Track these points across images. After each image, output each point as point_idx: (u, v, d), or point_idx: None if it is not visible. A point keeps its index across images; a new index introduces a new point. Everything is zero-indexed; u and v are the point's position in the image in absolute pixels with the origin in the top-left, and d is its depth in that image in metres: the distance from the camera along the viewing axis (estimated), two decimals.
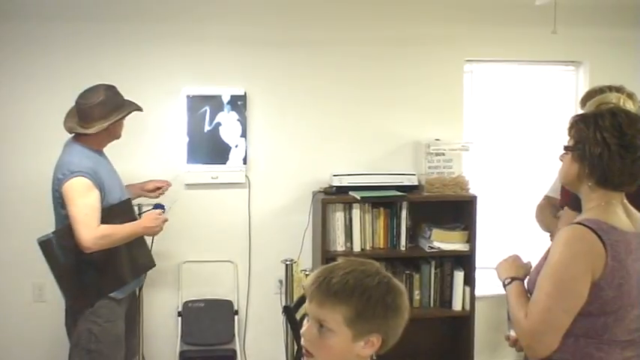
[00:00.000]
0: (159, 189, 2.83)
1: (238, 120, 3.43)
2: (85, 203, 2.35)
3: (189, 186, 3.38)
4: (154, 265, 2.71)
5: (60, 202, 2.41)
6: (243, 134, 3.44)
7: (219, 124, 3.41)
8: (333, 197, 3.33)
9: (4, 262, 3.37)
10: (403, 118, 3.59)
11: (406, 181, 3.41)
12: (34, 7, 3.30)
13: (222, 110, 3.40)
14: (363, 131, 3.57)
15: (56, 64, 3.32)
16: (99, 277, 2.48)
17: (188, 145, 3.38)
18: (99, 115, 2.45)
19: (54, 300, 3.17)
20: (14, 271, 3.36)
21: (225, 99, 3.41)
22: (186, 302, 3.43)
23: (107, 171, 2.54)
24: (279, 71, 3.49)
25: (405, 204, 3.38)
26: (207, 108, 3.38)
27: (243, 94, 3.41)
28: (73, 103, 2.57)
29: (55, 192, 2.42)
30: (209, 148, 3.40)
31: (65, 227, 2.36)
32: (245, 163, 3.45)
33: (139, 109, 2.60)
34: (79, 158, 2.41)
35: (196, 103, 3.37)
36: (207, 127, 3.38)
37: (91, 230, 2.33)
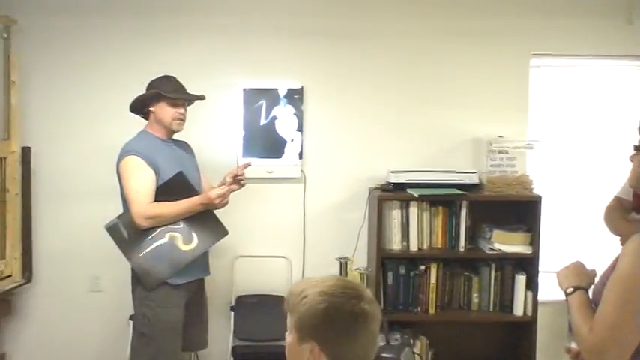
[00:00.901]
0: (237, 177, 2.87)
1: (294, 114, 3.57)
2: (135, 181, 2.54)
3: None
4: (227, 233, 2.80)
5: (120, 182, 2.65)
6: (299, 128, 3.57)
7: (275, 117, 3.55)
8: (390, 194, 3.39)
9: (62, 254, 3.62)
10: (464, 114, 3.63)
11: (466, 180, 3.44)
12: (95, 3, 3.57)
13: (279, 104, 3.54)
14: (422, 127, 3.63)
15: (116, 57, 3.55)
16: (168, 254, 2.63)
17: (244, 139, 3.54)
18: (142, 98, 2.72)
19: (109, 289, 3.54)
20: (73, 262, 3.61)
21: (282, 92, 3.55)
22: (239, 297, 3.59)
23: (167, 156, 2.68)
24: (336, 64, 3.58)
25: (464, 203, 3.43)
26: (263, 101, 3.53)
27: (299, 87, 3.55)
28: (131, 96, 2.84)
29: (117, 172, 2.66)
30: (265, 142, 3.54)
31: (125, 213, 2.59)
32: (301, 157, 3.59)
33: (176, 97, 2.68)
34: (137, 141, 2.66)
35: (252, 96, 3.52)
36: (262, 121, 3.54)
37: (142, 207, 2.52)
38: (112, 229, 2.67)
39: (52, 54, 3.56)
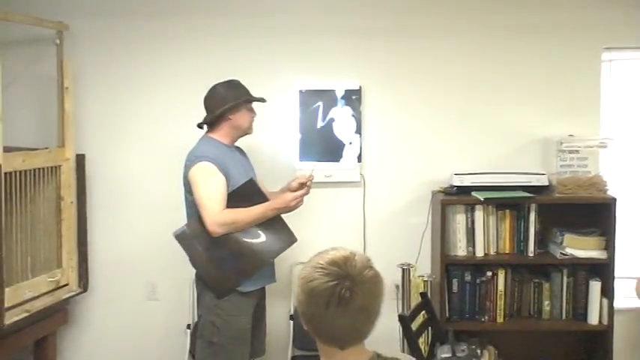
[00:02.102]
0: (303, 185, 3.02)
1: (353, 115, 3.71)
2: (208, 187, 2.63)
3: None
4: (296, 240, 2.89)
5: (188, 189, 2.74)
6: (358, 130, 3.70)
7: (332, 119, 3.69)
8: (454, 198, 3.47)
9: (119, 262, 3.78)
10: (532, 112, 3.67)
11: (535, 181, 3.50)
12: (147, 6, 3.76)
13: (336, 105, 3.68)
14: (487, 127, 3.68)
15: (170, 60, 3.70)
16: (237, 261, 2.71)
17: (300, 142, 3.69)
18: (215, 104, 2.80)
19: (166, 298, 3.75)
20: (129, 271, 3.78)
21: (339, 94, 3.69)
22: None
23: (235, 162, 2.80)
24: (396, 64, 3.68)
25: (533, 206, 3.49)
26: (320, 103, 3.68)
27: (357, 88, 3.69)
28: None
29: (184, 179, 2.75)
30: (322, 145, 3.68)
31: (197, 217, 2.67)
32: (360, 160, 3.71)
33: (259, 99, 2.87)
34: (206, 146, 2.76)
35: (309, 98, 3.67)
36: (320, 123, 3.68)
37: (215, 215, 2.60)
38: (180, 237, 2.76)
39: (105, 58, 3.73)
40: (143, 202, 3.74)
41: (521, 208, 3.50)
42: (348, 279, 1.43)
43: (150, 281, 3.79)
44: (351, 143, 3.72)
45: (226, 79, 2.94)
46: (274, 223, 2.82)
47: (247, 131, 2.91)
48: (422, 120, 3.74)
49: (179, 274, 3.53)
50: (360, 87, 3.69)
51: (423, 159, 3.74)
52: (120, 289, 3.81)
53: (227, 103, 2.81)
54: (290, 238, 2.89)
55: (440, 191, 3.60)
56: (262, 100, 2.89)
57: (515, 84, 3.68)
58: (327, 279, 1.42)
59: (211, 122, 2.89)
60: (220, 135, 2.89)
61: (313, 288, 1.42)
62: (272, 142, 3.71)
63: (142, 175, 3.72)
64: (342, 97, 3.68)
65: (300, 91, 3.67)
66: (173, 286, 3.65)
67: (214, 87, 2.90)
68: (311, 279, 1.43)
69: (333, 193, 3.73)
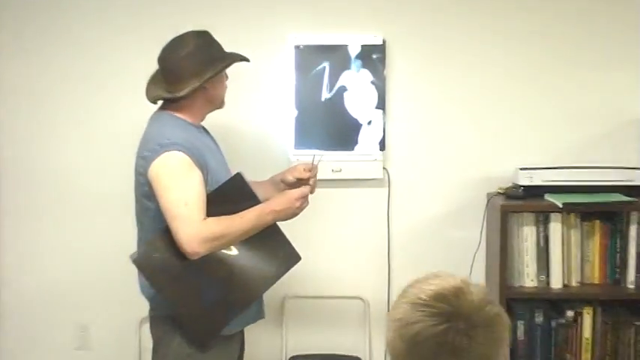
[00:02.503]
0: (303, 181, 2.63)
1: (373, 83, 3.08)
2: (182, 188, 2.27)
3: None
4: (299, 259, 2.56)
5: (146, 192, 2.34)
6: (380, 105, 3.09)
7: (343, 89, 3.08)
8: (520, 203, 3.00)
9: (38, 294, 3.32)
10: (625, 83, 3.16)
11: (637, 179, 2.98)
12: None
13: (349, 68, 3.08)
14: (563, 105, 3.18)
15: (121, 6, 3.16)
16: (224, 291, 2.43)
17: (297, 122, 3.08)
18: (189, 70, 2.38)
19: (102, 347, 3.26)
20: (52, 307, 3.30)
21: (354, 51, 3.07)
22: (293, 358, 3.17)
23: (211, 149, 2.47)
24: (436, 9, 3.16)
25: (635, 215, 2.96)
26: (326, 65, 3.07)
27: (380, 42, 3.06)
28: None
29: (140, 177, 2.35)
30: (328, 126, 3.10)
31: (163, 232, 2.32)
32: (383, 148, 3.11)
33: (244, 59, 2.48)
34: (172, 129, 2.36)
35: (309, 57, 3.07)
36: (325, 94, 3.07)
37: (195, 227, 2.25)
38: (143, 263, 2.36)
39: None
40: (77, 209, 3.22)
41: (617, 218, 3.00)
42: (461, 319, 1.22)
43: (80, 322, 3.27)
44: (370, 123, 3.08)
45: (194, 31, 2.44)
46: (270, 235, 2.47)
47: (221, 105, 2.53)
48: (472, 91, 3.17)
49: (122, 313, 3.17)
50: (384, 41, 3.06)
51: (473, 147, 3.18)
52: (38, 332, 3.30)
53: (207, 68, 2.41)
54: (291, 257, 2.56)
55: (499, 193, 3.05)
56: (246, 59, 2.51)
57: (603, 44, 3.13)
58: (434, 321, 1.22)
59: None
60: (188, 112, 2.44)
61: (416, 334, 1.22)
62: (254, 121, 3.16)
63: (75, 171, 3.22)
64: (358, 57, 3.06)
65: (297, 47, 3.06)
66: (113, 330, 3.20)
67: (182, 42, 2.43)
68: (411, 321, 1.23)
69: (344, 196, 3.18)
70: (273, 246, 2.49)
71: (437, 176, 3.20)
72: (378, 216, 3.18)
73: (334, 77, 3.05)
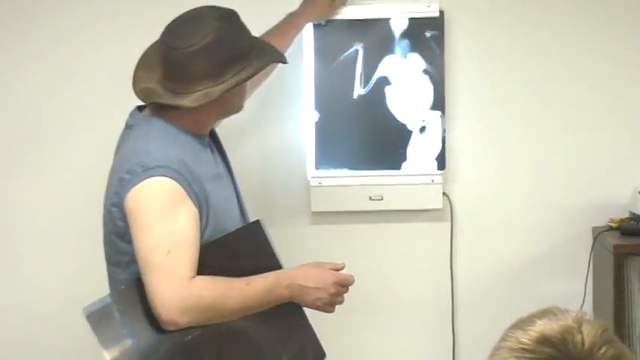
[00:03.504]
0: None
1: (426, 72, 2.42)
2: (167, 230, 1.92)
3: (320, 216, 2.55)
4: (324, 357, 2.15)
5: (120, 229, 2.00)
6: (438, 104, 2.45)
7: (384, 81, 2.45)
8: None
9: None
10: None
11: None
12: None
13: (392, 52, 2.44)
14: None
15: None
16: None
17: (318, 130, 2.47)
18: (204, 71, 1.94)
19: None
20: None
21: (399, 27, 2.44)
22: None
23: (217, 177, 2.09)
24: None
25: None
26: (359, 48, 2.43)
27: (436, 14, 2.43)
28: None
29: (112, 208, 2.01)
30: (363, 136, 2.52)
31: (135, 284, 2.02)
32: (442, 166, 2.48)
33: (282, 59, 2.09)
34: (162, 144, 1.97)
35: (335, 37, 2.48)
36: (358, 90, 2.44)
37: (177, 287, 1.90)
38: (97, 318, 2.00)
39: None
40: (24, 250, 2.72)
41: None
42: None
43: None
44: (423, 131, 2.45)
45: (214, 8, 1.98)
46: (286, 315, 2.03)
47: (238, 111, 2.12)
48: (568, 86, 2.59)
49: None
50: (442, 13, 2.43)
51: (571, 163, 2.61)
52: None
53: (231, 68, 1.95)
54: (313, 354, 2.12)
55: (610, 228, 2.51)
56: (284, 59, 2.09)
57: None
58: None
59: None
60: (191, 118, 2.01)
61: None
62: (258, 129, 2.59)
63: (27, 202, 2.73)
64: (405, 35, 2.42)
65: (318, 25, 2.42)
66: None
67: (199, 26, 1.96)
68: None
69: (388, 235, 2.62)
70: (289, 334, 2.03)
71: (519, 205, 2.60)
72: (437, 262, 2.61)
73: (371, 65, 2.41)
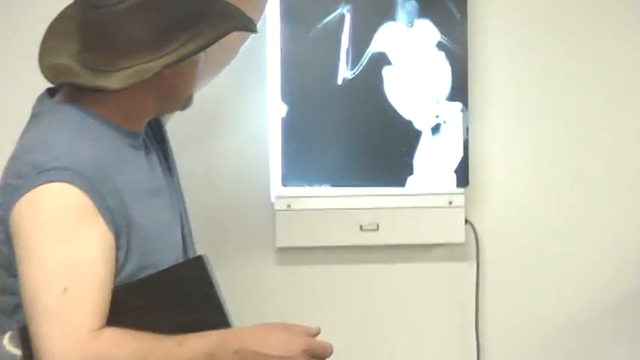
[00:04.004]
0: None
1: (441, 46, 1.87)
2: (65, 260, 1.50)
3: (289, 254, 2.02)
4: None
5: (2, 257, 1.57)
6: (458, 93, 1.87)
7: (381, 59, 1.90)
8: None
9: None
10: None
11: None
12: None
13: (392, 18, 1.89)
14: None
15: None
16: None
17: (286, 128, 1.90)
18: (139, 37, 1.50)
19: None
20: None
21: None
22: None
23: (153, 190, 1.60)
24: None
25: None
26: (345, 11, 1.88)
27: None
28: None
29: None
30: (350, 137, 1.96)
31: (21, 329, 1.59)
32: (464, 182, 1.93)
33: (250, 27, 1.54)
34: (69, 139, 1.51)
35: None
36: (343, 72, 1.90)
37: (74, 341, 1.51)
38: None
39: None
40: None
41: None
42: None
43: None
44: (437, 131, 1.87)
45: None
46: None
47: (185, 103, 1.57)
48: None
49: None
50: None
51: None
52: None
53: (176, 35, 1.49)
54: None
55: None
56: (253, 28, 1.55)
57: None
58: None
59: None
60: (118, 107, 1.52)
61: None
62: (205, 129, 2.03)
63: None
64: None
65: None
66: None
67: None
68: None
69: (387, 278, 2.07)
70: None
71: (571, 238, 2.03)
72: (457, 318, 2.04)
73: (362, 37, 1.83)
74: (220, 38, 1.49)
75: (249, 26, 1.52)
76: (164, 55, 1.44)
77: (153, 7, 1.46)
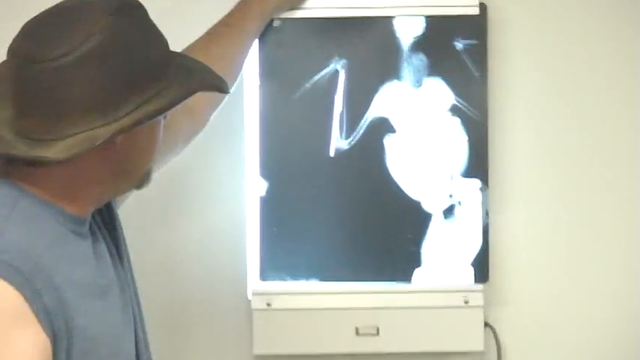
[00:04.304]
0: None
1: (456, 111, 1.55)
2: None
3: None
4: None
5: None
6: (476, 168, 1.56)
7: (382, 125, 1.58)
8: None
9: None
10: None
11: None
12: None
13: (396, 75, 1.57)
14: None
15: None
16: None
17: (266, 209, 1.59)
18: (85, 98, 1.30)
19: None
20: None
21: (407, 32, 1.58)
22: None
23: (97, 284, 1.41)
24: None
25: None
26: (340, 67, 1.58)
27: (475, 12, 1.55)
28: None
29: None
30: (345, 221, 1.63)
31: None
32: (484, 277, 1.57)
33: (221, 86, 1.33)
34: (0, 224, 1.34)
35: (298, 47, 1.64)
36: (337, 141, 1.60)
37: None
38: None
39: None
40: None
41: None
42: None
43: None
44: (451, 213, 1.52)
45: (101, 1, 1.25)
46: None
47: (142, 179, 1.33)
48: None
49: None
50: (484, 8, 1.52)
51: None
52: None
53: (132, 94, 1.26)
54: None
55: None
56: (224, 88, 1.31)
57: None
58: None
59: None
60: (59, 186, 1.33)
61: None
62: (167, 208, 1.71)
63: None
64: (418, 47, 1.54)
65: (273, 25, 1.59)
66: None
67: (80, 20, 1.26)
68: None
69: None
70: None
71: (616, 343, 1.55)
72: None
73: (360, 99, 1.50)
74: (185, 98, 1.26)
75: (219, 86, 1.29)
76: (116, 120, 1.22)
77: (103, 61, 1.24)
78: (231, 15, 1.48)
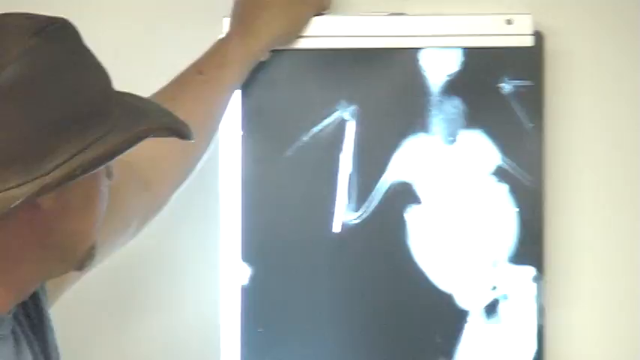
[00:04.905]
0: None
1: (502, 175, 1.19)
2: None
3: None
4: None
5: None
6: (528, 251, 1.20)
7: (403, 193, 1.24)
8: None
9: None
10: None
11: None
12: None
13: (422, 127, 1.22)
14: None
15: None
16: None
17: (250, 301, 1.25)
18: (7, 147, 1.02)
19: None
20: None
21: (438, 69, 1.22)
22: None
23: None
24: None
25: None
26: (348, 115, 1.23)
27: (529, 43, 1.19)
28: None
29: None
30: (354, 317, 1.27)
31: None
32: None
33: (180, 130, 1.07)
34: None
35: (293, 87, 1.30)
36: (342, 214, 1.25)
37: None
38: None
39: None
40: None
41: None
42: None
43: None
44: (494, 311, 1.19)
45: (26, 17, 0.94)
46: None
47: (85, 258, 1.02)
48: None
49: None
50: (540, 37, 1.17)
51: None
52: None
53: (59, 144, 0.99)
54: None
55: None
56: (185, 132, 1.00)
57: None
58: None
59: None
60: None
61: None
62: (130, 304, 1.39)
63: None
64: (452, 88, 1.18)
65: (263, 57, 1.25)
66: None
67: None
68: None
69: None
70: None
71: None
72: None
73: (374, 157, 1.21)
74: (132, 145, 1.01)
75: (178, 129, 1.03)
76: (42, 175, 0.98)
77: (23, 98, 1.00)
78: (206, 58, 1.19)
